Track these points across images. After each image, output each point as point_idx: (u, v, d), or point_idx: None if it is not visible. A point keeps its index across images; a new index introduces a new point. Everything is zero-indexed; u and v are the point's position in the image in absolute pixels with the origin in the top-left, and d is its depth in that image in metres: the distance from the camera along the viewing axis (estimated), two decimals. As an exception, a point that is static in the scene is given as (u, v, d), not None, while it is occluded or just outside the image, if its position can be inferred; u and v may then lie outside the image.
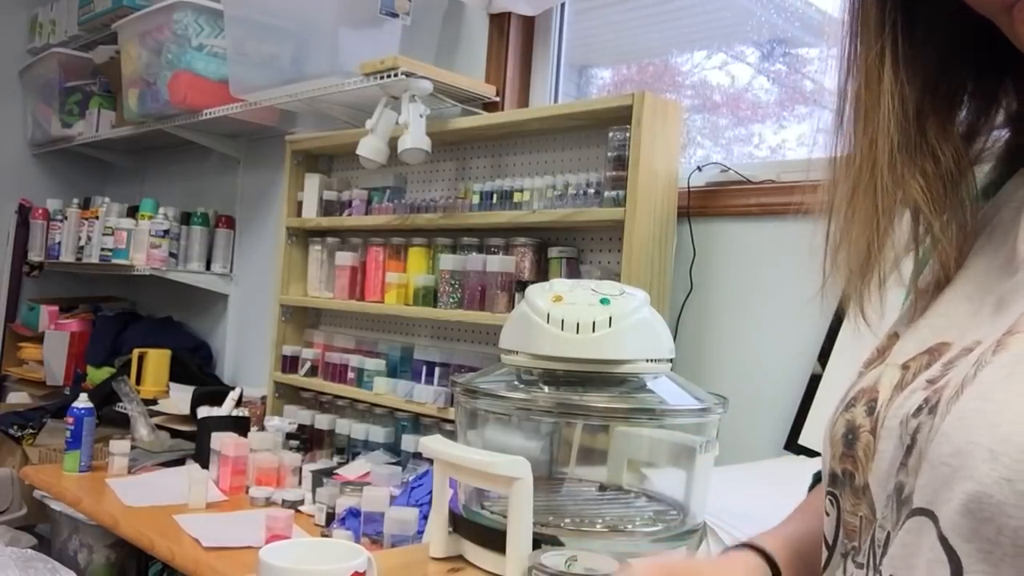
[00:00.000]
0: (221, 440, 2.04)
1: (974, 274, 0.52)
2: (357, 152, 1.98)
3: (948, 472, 0.39)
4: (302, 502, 1.90)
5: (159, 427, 2.40)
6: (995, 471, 0.37)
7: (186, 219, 2.93)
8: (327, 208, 2.38)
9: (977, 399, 0.39)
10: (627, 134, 1.67)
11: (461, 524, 1.46)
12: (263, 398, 2.47)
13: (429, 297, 2.04)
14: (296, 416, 2.30)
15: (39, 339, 3.24)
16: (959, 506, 0.38)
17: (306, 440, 2.23)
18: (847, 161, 0.55)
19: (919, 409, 0.44)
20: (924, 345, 0.50)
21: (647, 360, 1.18)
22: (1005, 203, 0.54)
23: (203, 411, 2.25)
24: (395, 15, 2.04)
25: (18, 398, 3.18)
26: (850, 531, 0.51)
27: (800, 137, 1.88)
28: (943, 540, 0.39)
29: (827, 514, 0.54)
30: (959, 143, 0.54)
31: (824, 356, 1.53)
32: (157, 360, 2.72)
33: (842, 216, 0.55)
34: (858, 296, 0.55)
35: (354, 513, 1.69)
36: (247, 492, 1.96)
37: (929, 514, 0.41)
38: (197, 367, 2.81)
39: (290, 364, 2.41)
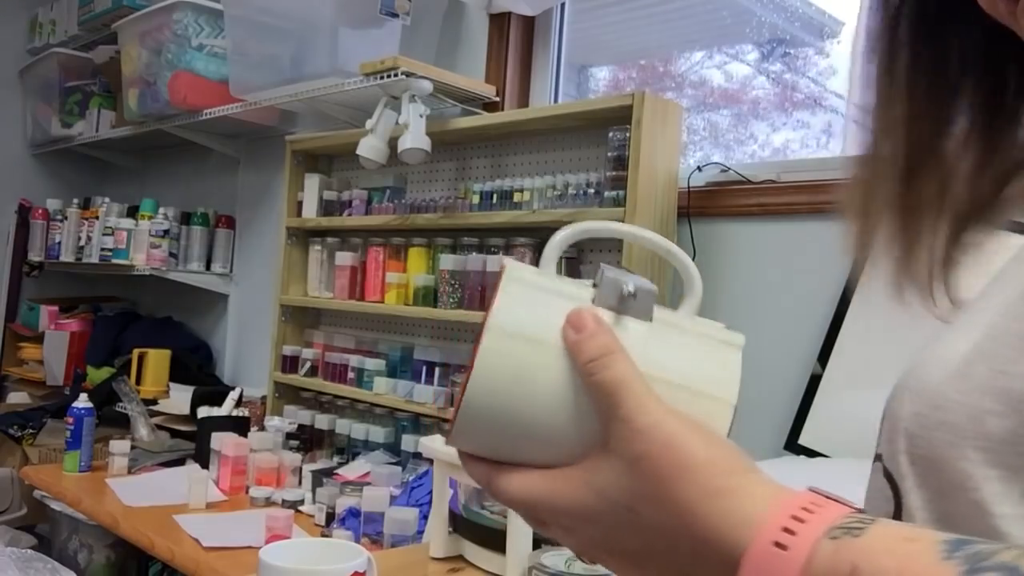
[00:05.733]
0: (221, 440, 2.04)
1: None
2: (357, 152, 1.98)
3: (891, 419, 0.45)
4: (302, 502, 1.90)
5: (159, 427, 2.40)
6: (912, 407, 0.42)
7: (186, 219, 2.93)
8: (327, 208, 2.38)
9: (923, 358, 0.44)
10: (627, 134, 1.67)
11: (461, 524, 1.46)
12: (263, 398, 2.47)
13: (429, 297, 2.04)
14: (296, 416, 2.30)
15: (39, 339, 3.24)
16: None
17: (306, 440, 2.23)
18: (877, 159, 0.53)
19: None
20: None
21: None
22: None
23: (203, 411, 2.25)
24: (395, 15, 2.04)
25: (18, 398, 3.18)
26: None
27: (802, 137, 1.88)
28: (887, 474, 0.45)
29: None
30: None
31: (824, 356, 1.53)
32: (157, 360, 2.72)
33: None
34: (915, 281, 0.53)
35: (354, 513, 1.69)
36: (247, 492, 1.96)
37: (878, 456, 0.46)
38: (197, 367, 2.81)
39: (290, 364, 2.41)
